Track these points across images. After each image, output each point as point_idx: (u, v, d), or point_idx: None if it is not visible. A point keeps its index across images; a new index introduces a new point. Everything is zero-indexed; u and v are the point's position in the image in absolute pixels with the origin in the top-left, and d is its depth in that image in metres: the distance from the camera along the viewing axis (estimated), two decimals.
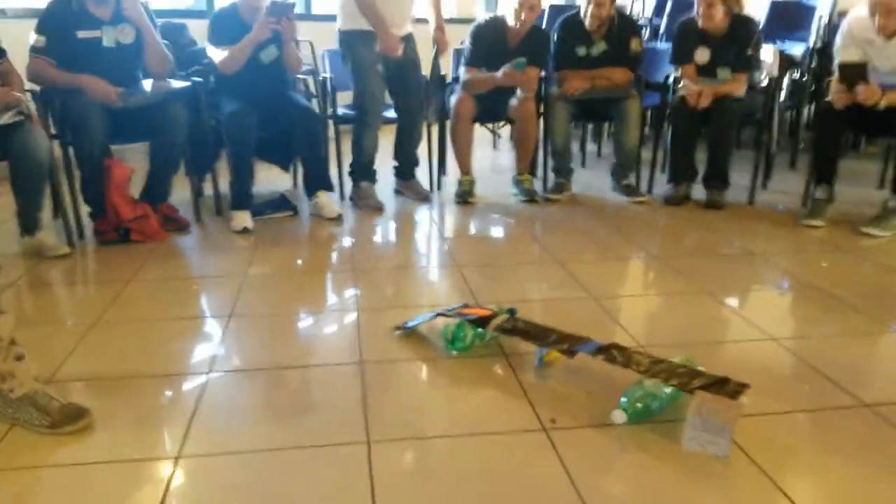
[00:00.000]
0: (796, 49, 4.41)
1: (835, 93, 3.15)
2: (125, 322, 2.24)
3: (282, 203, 3.60)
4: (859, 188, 4.04)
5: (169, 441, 1.56)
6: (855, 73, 3.05)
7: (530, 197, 3.77)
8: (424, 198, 3.80)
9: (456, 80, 4.00)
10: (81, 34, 2.98)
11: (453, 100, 3.76)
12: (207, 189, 3.77)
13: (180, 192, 3.56)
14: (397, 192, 3.89)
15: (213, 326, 2.20)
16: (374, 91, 3.52)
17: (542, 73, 3.78)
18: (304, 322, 2.24)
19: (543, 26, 4.19)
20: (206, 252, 3.00)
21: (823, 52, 4.64)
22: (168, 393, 1.78)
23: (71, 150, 3.09)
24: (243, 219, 3.26)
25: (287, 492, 1.39)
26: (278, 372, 1.89)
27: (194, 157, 3.41)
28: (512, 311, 2.11)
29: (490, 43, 3.70)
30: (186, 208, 3.47)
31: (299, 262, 2.86)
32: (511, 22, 3.63)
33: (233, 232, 3.22)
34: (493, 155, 5.37)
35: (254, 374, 1.88)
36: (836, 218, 3.39)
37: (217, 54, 3.31)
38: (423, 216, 3.54)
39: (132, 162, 3.13)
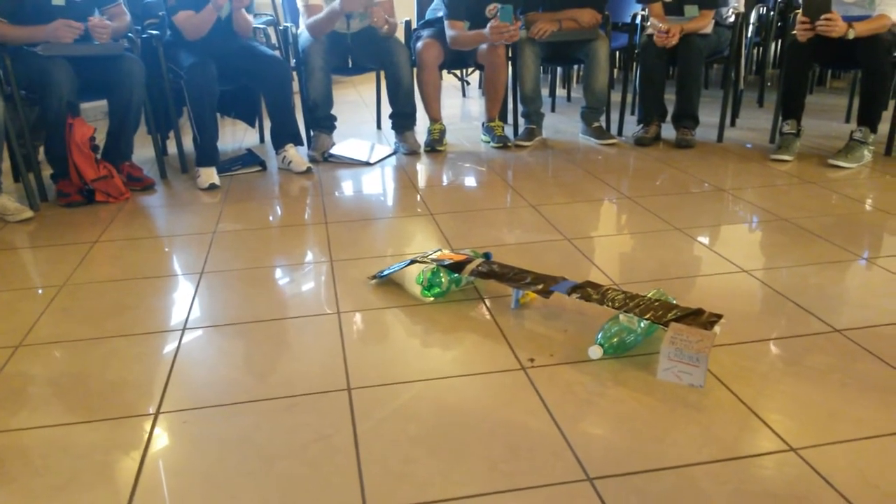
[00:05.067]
0: None
1: (798, 24, 3.14)
2: (94, 283, 2.20)
3: (249, 158, 3.53)
4: (826, 122, 4.08)
5: (147, 398, 1.55)
6: (818, 4, 3.04)
7: (502, 143, 3.75)
8: (413, 151, 3.70)
9: (422, 26, 3.92)
10: None
11: (419, 46, 3.69)
12: (171, 147, 3.69)
13: (143, 151, 3.48)
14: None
15: (184, 284, 2.17)
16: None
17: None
18: (278, 276, 2.22)
19: None
20: (173, 210, 2.94)
21: None
22: (143, 351, 1.76)
23: (28, 112, 2.99)
24: (210, 175, 3.20)
25: (270, 441, 1.38)
26: (255, 325, 1.87)
27: (155, 114, 3.33)
28: (487, 256, 2.11)
29: None
30: (151, 167, 3.40)
31: (270, 216, 2.82)
32: None
33: (200, 189, 3.16)
34: (461, 102, 5.31)
35: (230, 328, 1.87)
36: (804, 152, 3.43)
37: (178, 19, 3.19)
38: (395, 166, 3.50)
39: (91, 121, 3.04)
